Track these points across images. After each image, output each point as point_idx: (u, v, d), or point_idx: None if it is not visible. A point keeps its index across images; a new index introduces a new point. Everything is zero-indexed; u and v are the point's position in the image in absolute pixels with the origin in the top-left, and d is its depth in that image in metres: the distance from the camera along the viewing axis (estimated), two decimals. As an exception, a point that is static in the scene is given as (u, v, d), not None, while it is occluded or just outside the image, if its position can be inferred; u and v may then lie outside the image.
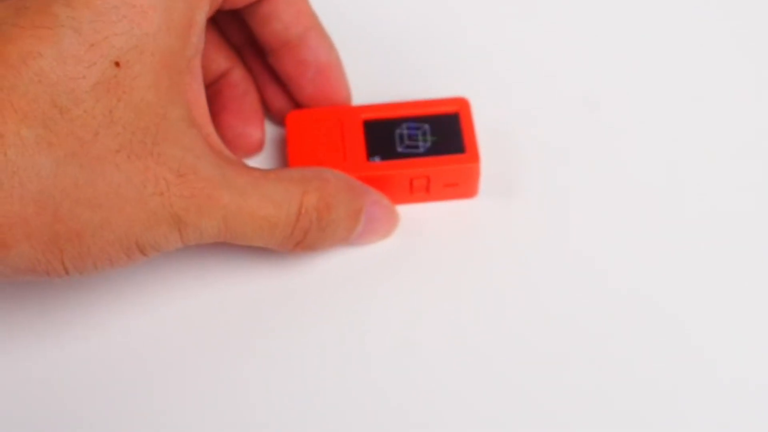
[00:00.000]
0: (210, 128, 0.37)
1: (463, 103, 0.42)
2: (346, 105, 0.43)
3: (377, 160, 0.41)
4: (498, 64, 0.46)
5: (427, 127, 0.42)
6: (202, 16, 0.35)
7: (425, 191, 0.42)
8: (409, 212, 0.43)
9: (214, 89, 0.44)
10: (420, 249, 0.42)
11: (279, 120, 0.45)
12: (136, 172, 0.32)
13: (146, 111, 0.33)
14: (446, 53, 0.47)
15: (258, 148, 0.44)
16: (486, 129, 0.43)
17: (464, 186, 0.42)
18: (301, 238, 0.37)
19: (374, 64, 0.46)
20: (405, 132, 0.42)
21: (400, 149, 0.41)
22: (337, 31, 0.44)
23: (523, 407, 0.38)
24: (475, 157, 0.41)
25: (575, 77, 0.46)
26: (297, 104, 0.44)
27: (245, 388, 0.39)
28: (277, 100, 0.44)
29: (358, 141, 0.41)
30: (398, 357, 0.39)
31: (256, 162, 0.44)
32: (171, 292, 0.40)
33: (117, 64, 0.32)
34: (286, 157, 0.42)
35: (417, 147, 0.41)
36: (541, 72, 0.46)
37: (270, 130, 0.45)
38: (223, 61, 0.43)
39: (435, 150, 0.41)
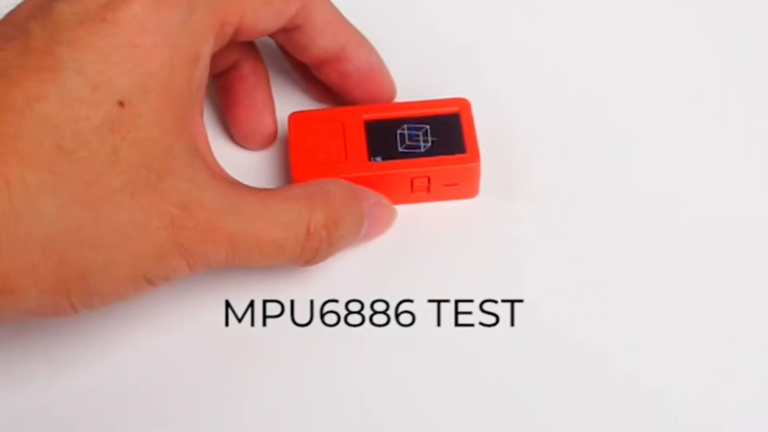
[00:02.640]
0: (211, 156, 0.37)
1: (463, 104, 0.42)
2: (347, 106, 0.44)
3: (378, 160, 0.41)
4: (499, 64, 0.47)
5: (427, 127, 0.42)
6: (207, 51, 0.35)
7: (426, 191, 0.42)
8: (410, 212, 0.43)
9: (224, 83, 0.43)
10: (420, 248, 0.42)
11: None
12: (139, 209, 0.32)
13: (151, 148, 0.33)
14: (447, 53, 0.47)
15: (272, 139, 0.44)
16: (486, 129, 0.43)
17: (465, 186, 0.43)
18: (311, 257, 0.38)
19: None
20: (406, 132, 0.42)
21: (401, 149, 0.42)
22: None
23: (519, 411, 0.39)
24: (475, 157, 0.41)
25: (576, 78, 0.46)
26: (346, 103, 0.44)
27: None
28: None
29: (359, 141, 0.42)
30: (395, 357, 0.40)
31: (259, 160, 0.45)
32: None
33: (121, 103, 0.32)
34: (288, 158, 0.43)
35: (418, 147, 0.42)
36: (542, 72, 0.46)
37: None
38: (231, 53, 0.42)
39: (435, 150, 0.42)
